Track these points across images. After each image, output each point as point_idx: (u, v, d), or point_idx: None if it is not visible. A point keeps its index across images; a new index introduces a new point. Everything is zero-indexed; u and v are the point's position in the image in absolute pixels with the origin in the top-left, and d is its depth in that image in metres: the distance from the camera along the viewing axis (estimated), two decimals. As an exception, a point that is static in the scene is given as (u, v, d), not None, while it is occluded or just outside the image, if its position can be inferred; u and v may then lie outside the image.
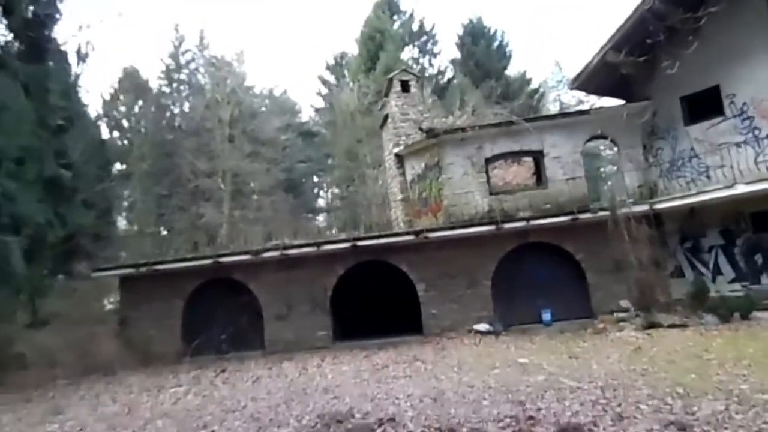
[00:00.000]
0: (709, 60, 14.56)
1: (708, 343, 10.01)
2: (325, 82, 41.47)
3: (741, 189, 13.31)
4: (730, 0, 13.89)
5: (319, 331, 15.79)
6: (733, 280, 14.46)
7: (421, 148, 17.69)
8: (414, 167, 18.10)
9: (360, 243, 15.80)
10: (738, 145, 14.22)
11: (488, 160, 16.99)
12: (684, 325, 12.59)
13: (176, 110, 37.12)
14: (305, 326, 15.82)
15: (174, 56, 37.12)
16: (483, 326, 14.88)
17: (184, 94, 37.49)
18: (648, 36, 13.93)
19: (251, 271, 16.14)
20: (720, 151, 14.45)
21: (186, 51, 37.39)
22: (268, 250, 15.92)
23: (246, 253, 15.95)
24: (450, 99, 32.27)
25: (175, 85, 37.21)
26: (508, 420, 5.89)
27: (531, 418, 5.93)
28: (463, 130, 16.95)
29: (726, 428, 4.97)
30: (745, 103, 14.33)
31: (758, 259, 14.09)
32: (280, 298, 16.05)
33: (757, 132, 14.10)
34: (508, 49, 38.72)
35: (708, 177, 14.93)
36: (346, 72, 40.06)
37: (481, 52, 37.38)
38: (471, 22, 38.80)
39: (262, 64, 59.29)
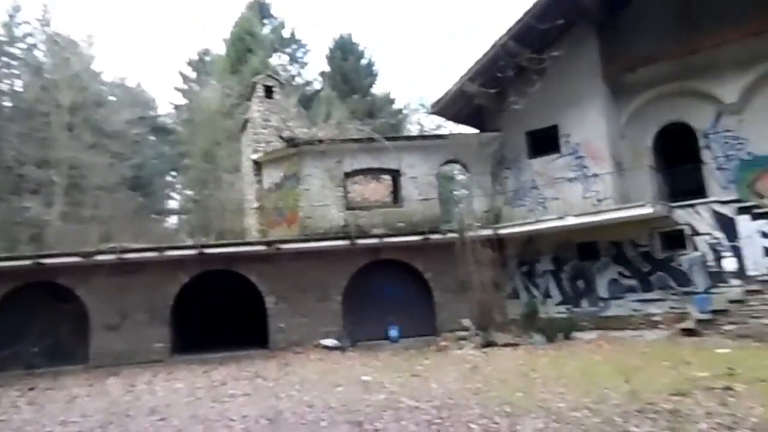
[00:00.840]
0: (551, 101, 15.99)
1: (535, 361, 10.76)
2: (185, 78, 39.25)
3: (570, 221, 14.72)
4: (570, 47, 15.40)
5: (155, 343, 14.59)
6: (559, 303, 15.87)
7: (281, 157, 17.27)
8: (272, 175, 17.60)
9: (208, 250, 14.95)
10: (570, 180, 15.72)
11: (347, 175, 17.04)
12: (516, 344, 13.48)
13: (4, 87, 32.64)
14: (140, 337, 14.53)
15: (7, 26, 32.72)
16: (330, 341, 14.75)
17: (16, 72, 33.11)
18: (500, 71, 14.93)
19: (80, 275, 14.50)
20: (556, 185, 15.87)
21: (23, 23, 33.15)
22: (102, 252, 14.44)
23: (75, 255, 14.31)
24: (316, 110, 32.17)
25: (5, 59, 32.73)
26: (343, 443, 5.74)
27: (367, 440, 5.83)
28: (324, 142, 16.85)
29: (545, 446, 5.21)
30: (577, 143, 15.92)
31: (580, 284, 15.62)
32: (112, 305, 14.60)
33: (585, 170, 15.71)
34: (374, 68, 39.68)
35: (545, 207, 16.30)
36: (209, 70, 38.28)
37: (350, 67, 37.87)
38: (342, 36, 39.20)
39: (116, 51, 54.60)
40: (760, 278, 12.16)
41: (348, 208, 16.81)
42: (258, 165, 18.24)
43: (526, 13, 15.12)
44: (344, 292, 15.92)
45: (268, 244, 15.19)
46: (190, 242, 17.83)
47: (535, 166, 16.75)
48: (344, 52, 38.44)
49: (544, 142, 16.59)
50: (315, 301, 15.66)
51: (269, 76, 20.13)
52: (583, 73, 15.87)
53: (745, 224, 13.29)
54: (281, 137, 17.77)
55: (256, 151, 18.31)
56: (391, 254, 16.24)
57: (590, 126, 15.72)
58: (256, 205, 18.33)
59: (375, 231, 16.08)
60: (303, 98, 35.14)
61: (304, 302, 15.57)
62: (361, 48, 39.37)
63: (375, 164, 17.21)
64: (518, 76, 15.04)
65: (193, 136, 33.89)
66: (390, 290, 16.40)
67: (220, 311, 17.73)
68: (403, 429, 6.25)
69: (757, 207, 13.30)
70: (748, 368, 8.12)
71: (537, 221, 15.68)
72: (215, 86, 33.41)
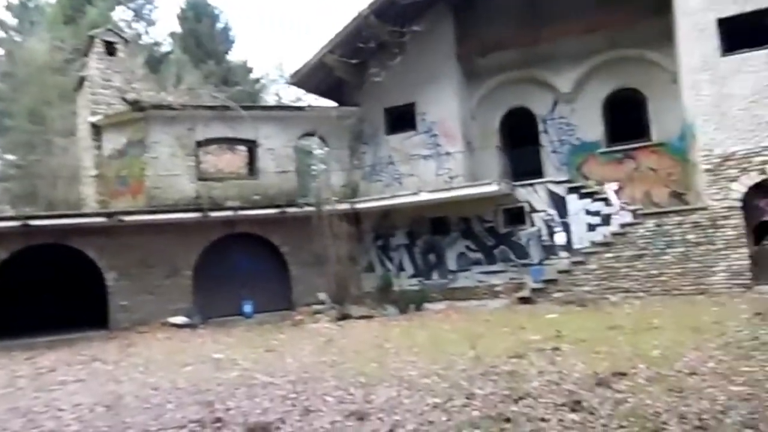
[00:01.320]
0: (410, 79, 16.39)
1: (388, 332, 11.10)
2: (3, 26, 34.16)
3: (424, 196, 15.32)
4: (429, 25, 15.84)
5: (-35, 328, 12.71)
6: (412, 276, 16.54)
7: (125, 121, 15.76)
8: (113, 141, 16.01)
9: (34, 222, 13.25)
10: (425, 157, 16.32)
11: (200, 144, 16.09)
12: (371, 317, 13.81)
13: None
14: (-55, 323, 12.57)
15: None
16: (180, 319, 13.97)
17: None
18: (362, 43, 14.93)
19: None
20: (411, 161, 16.37)
21: None
22: None
23: None
24: (165, 74, 29.78)
25: None
26: (192, 425, 5.41)
27: (218, 420, 5.56)
28: (174, 107, 15.66)
29: (396, 413, 5.36)
30: (433, 122, 16.55)
31: (432, 258, 16.40)
32: None
33: (439, 148, 16.41)
34: (232, 34, 37.74)
35: (400, 183, 16.79)
36: (34, 18, 33.62)
37: (204, 31, 35.55)
38: (196, -4, 36.57)
39: None
40: (584, 251, 13.65)
41: (200, 179, 15.89)
42: (97, 129, 16.45)
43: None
44: (195, 267, 15.13)
45: (109, 215, 13.88)
46: (10, 213, 15.67)
47: (393, 143, 17.13)
48: (198, 14, 35.95)
49: (402, 119, 17.01)
50: (163, 277, 14.69)
51: (110, 30, 18.17)
52: (440, 53, 16.46)
53: (573, 203, 14.79)
54: (125, 99, 16.18)
55: (94, 114, 16.48)
56: (247, 228, 15.72)
57: (445, 106, 16.40)
58: (94, 173, 16.56)
59: (229, 203, 15.41)
60: (151, 60, 32.33)
61: (151, 278, 14.53)
62: (216, 11, 37.13)
63: (230, 134, 16.42)
64: (379, 49, 15.18)
65: (15, 92, 29.71)
66: (245, 264, 15.91)
67: (50, 290, 15.92)
68: (257, 406, 6.07)
69: (584, 187, 14.87)
70: (572, 330, 9.08)
71: (393, 196, 16.12)
72: (43, 37, 29.46)
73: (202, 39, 35.19)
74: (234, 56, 37.42)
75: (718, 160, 12.40)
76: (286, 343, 10.74)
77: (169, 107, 15.73)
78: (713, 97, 12.46)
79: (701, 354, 6.56)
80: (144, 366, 9.07)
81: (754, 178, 12.07)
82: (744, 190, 12.17)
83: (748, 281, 11.90)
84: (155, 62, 32.65)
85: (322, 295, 15.51)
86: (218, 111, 16.13)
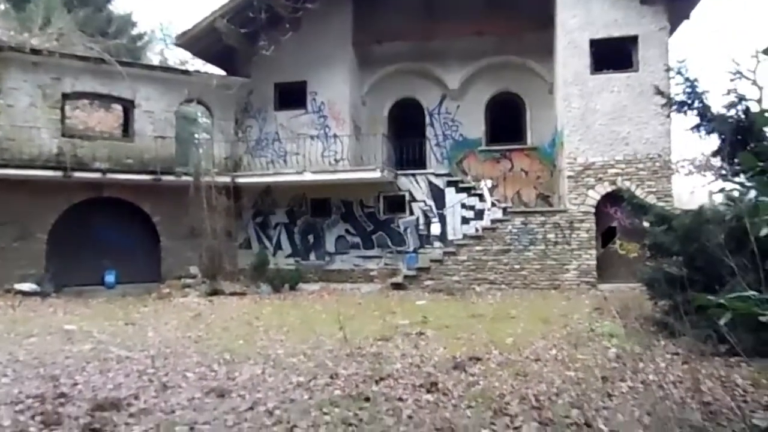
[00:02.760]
0: (303, 57, 16.13)
1: (260, 310, 10.97)
2: None
3: (308, 176, 15.25)
4: (326, 6, 15.65)
5: None
6: (289, 255, 16.41)
7: (-25, 60, 13.94)
8: (-40, 81, 14.12)
9: None
10: (312, 137, 16.19)
11: (67, 96, 14.70)
12: (243, 294, 13.53)
13: None
14: None
15: None
16: (28, 286, 12.76)
17: None
18: (254, 13, 14.39)
19: None
20: (298, 140, 16.16)
21: None
22: None
23: None
24: (31, 14, 26.68)
25: None
26: (30, 401, 4.97)
27: (62, 395, 5.17)
28: (37, 52, 14.12)
29: (259, 390, 5.34)
30: (323, 103, 16.45)
31: (311, 238, 16.38)
32: None
33: (327, 130, 16.37)
34: (115, -19, 34.56)
35: (285, 161, 16.53)
36: None
37: (82, -28, 32.25)
38: (74, -68, 33.03)
39: None
40: (456, 242, 14.36)
41: (65, 135, 14.51)
42: (-60, 65, 14.40)
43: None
44: (52, 230, 13.88)
45: (-52, 165, 12.29)
46: None
47: (281, 119, 16.79)
48: (76, -48, 32.53)
49: (292, 96, 16.71)
50: (11, 239, 13.32)
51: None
52: (336, 36, 16.35)
53: (451, 196, 15.47)
54: (-23, 36, 14.33)
55: (-63, 47, 14.41)
56: (116, 192, 14.68)
57: (336, 88, 16.35)
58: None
59: (98, 165, 14.25)
60: (14, -5, 28.83)
61: (-4, 240, 13.12)
62: (98, -48, 33.78)
63: (104, 90, 15.12)
64: (272, 22, 14.72)
65: None
66: (111, 232, 14.87)
67: None
68: (109, 381, 5.74)
69: (462, 182, 15.60)
70: (437, 317, 9.56)
71: (276, 173, 15.86)
72: None
73: (80, -19, 31.93)
74: (116, 7, 34.38)
75: (580, 168, 13.59)
76: (149, 317, 10.23)
77: (32, 51, 14.15)
78: (581, 110, 13.62)
79: (547, 342, 7.21)
80: (-22, 335, 8.20)
81: (607, 187, 13.40)
82: (598, 197, 13.47)
83: (594, 279, 13.23)
84: (18, 0, 29.16)
85: (193, 269, 14.91)
86: (91, 63, 14.78)
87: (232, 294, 13.44)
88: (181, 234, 15.19)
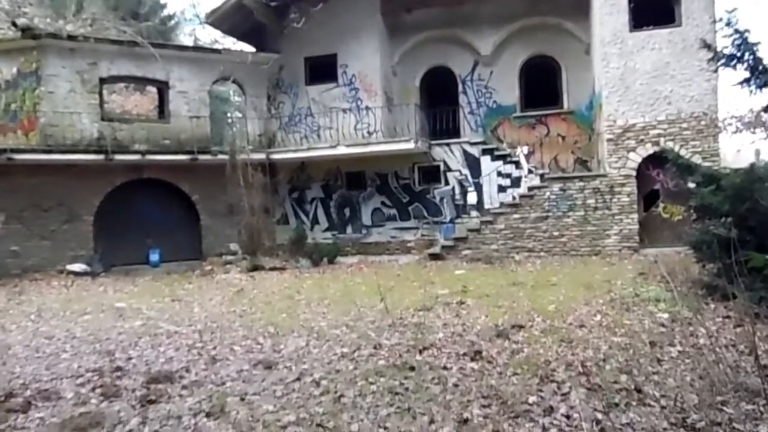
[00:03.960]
0: (332, 29, 15.97)
1: (300, 284, 11.13)
2: None
3: (342, 150, 15.23)
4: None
5: None
6: (326, 229, 16.54)
7: (14, 49, 14.28)
8: (1, 71, 14.51)
9: None
10: (345, 111, 16.12)
11: (104, 81, 14.96)
12: (283, 269, 13.74)
13: None
14: None
15: None
16: (79, 266, 13.25)
17: None
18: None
19: None
20: (330, 114, 16.12)
21: None
22: None
23: None
24: (65, 1, 27.14)
25: None
26: (89, 374, 5.20)
27: (118, 369, 5.38)
28: (74, 38, 14.37)
29: (305, 362, 5.44)
30: (354, 75, 16.31)
31: (347, 212, 16.45)
32: None
33: (359, 102, 16.26)
34: (143, -37, 34.73)
35: (318, 136, 16.54)
36: None
37: (110, -44, 32.50)
38: None
39: None
40: (493, 211, 14.20)
41: (104, 119, 14.83)
42: (-18, 55, 14.82)
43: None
44: (98, 212, 14.31)
45: (-4, 152, 12.72)
46: None
47: (312, 94, 16.75)
48: (104, -64, 32.74)
49: (323, 70, 16.62)
50: (60, 222, 13.79)
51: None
52: (365, 6, 16.10)
53: (486, 164, 15.25)
54: (14, 24, 14.63)
55: (-22, 37, 14.84)
56: (155, 173, 14.98)
57: (367, 60, 16.17)
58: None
59: (137, 147, 14.55)
60: (47, -18, 29.33)
61: (46, 223, 13.61)
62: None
63: (138, 73, 15.32)
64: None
65: None
66: (152, 212, 15.22)
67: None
68: (161, 355, 5.94)
69: (497, 150, 15.35)
70: (477, 286, 9.52)
71: (310, 149, 15.90)
72: None
73: (108, -35, 32.21)
74: (145, -12, 34.58)
75: (620, 130, 13.18)
76: (194, 293, 10.51)
77: (69, 37, 14.40)
78: (620, 71, 13.13)
79: (590, 308, 7.11)
80: (36, 314, 8.58)
81: (649, 149, 12.97)
82: (639, 160, 13.07)
83: (636, 244, 12.93)
84: (53, -14, 29.63)
85: (233, 246, 15.20)
86: (125, 46, 14.98)
87: (273, 269, 13.66)
88: (220, 212, 15.47)
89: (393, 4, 16.27)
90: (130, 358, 5.80)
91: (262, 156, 15.62)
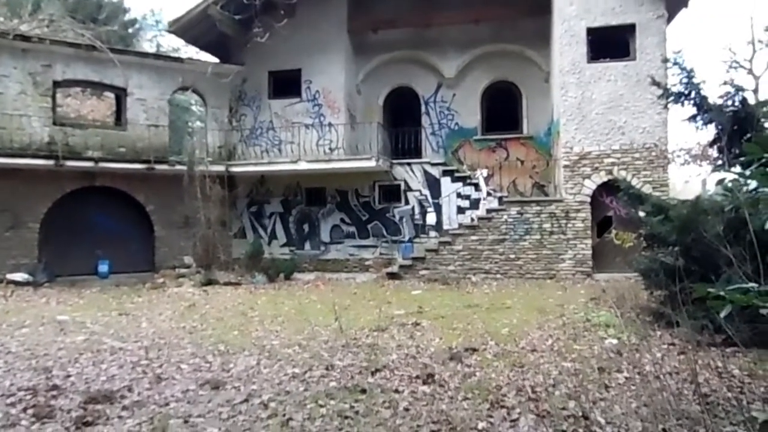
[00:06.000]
0: (298, 44, 15.94)
1: (254, 300, 10.92)
2: None
3: (303, 165, 15.15)
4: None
5: None
6: (284, 245, 16.35)
7: (-36, 47, 13.72)
8: (-51, 68, 13.91)
9: None
10: (307, 126, 16.06)
11: (58, 84, 14.52)
12: (238, 284, 13.47)
13: None
14: None
15: None
16: (20, 276, 12.66)
17: None
18: (251, 0, 14.16)
19: None
20: (292, 129, 16.03)
21: None
22: None
23: None
24: (22, 1, 26.29)
25: None
26: (22, 393, 4.92)
27: (54, 387, 5.11)
28: (27, 38, 13.90)
29: (254, 382, 5.30)
30: (318, 91, 16.30)
31: (306, 228, 16.31)
32: None
33: (322, 118, 16.24)
34: (106, -34, 34.05)
35: (280, 150, 16.40)
36: None
37: (73, -43, 31.75)
38: None
39: None
40: (452, 232, 14.31)
41: (56, 124, 14.34)
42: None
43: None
44: (45, 219, 13.77)
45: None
46: None
47: (275, 107, 16.64)
48: (66, -63, 31.99)
49: (287, 84, 16.56)
50: (2, 228, 13.21)
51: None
52: (332, 23, 16.17)
53: (446, 185, 15.40)
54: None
55: (-75, 33, 14.17)
56: (109, 181, 14.55)
57: (331, 76, 16.20)
58: None
59: (90, 153, 14.11)
60: (3, -20, 28.39)
61: (-13, 229, 13.00)
62: (89, -63, 33.24)
63: (96, 78, 14.93)
64: (267, 8, 14.51)
65: None
66: (104, 221, 14.75)
67: None
68: (102, 372, 5.68)
69: (457, 171, 15.53)
70: (433, 307, 9.54)
71: (270, 162, 15.76)
72: None
73: (70, -33, 31.44)
74: (107, -8, 33.86)
75: (576, 157, 13.54)
76: (143, 307, 10.17)
77: (22, 37, 13.93)
78: (577, 100, 13.54)
79: (543, 333, 7.19)
80: (-30, 326, 8.12)
81: (603, 177, 13.36)
82: (594, 187, 13.44)
83: (590, 269, 13.23)
84: (9, -15, 28.68)
85: (187, 259, 14.85)
86: (83, 50, 14.57)
87: (227, 284, 13.38)
88: (175, 223, 15.11)
89: (360, 23, 16.41)
90: (68, 376, 5.53)
91: (221, 168, 15.37)
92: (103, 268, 14.29)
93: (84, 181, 14.21)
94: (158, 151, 14.88)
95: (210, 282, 13.36)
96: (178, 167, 14.73)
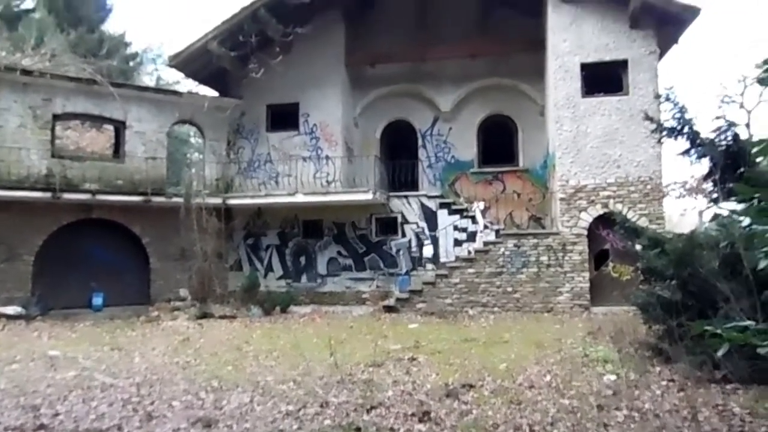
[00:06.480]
0: (295, 78, 16.17)
1: (250, 334, 10.79)
2: None
3: (300, 198, 15.18)
4: (320, 30, 15.79)
5: None
6: (280, 277, 16.25)
7: (-35, 80, 13.87)
8: (-50, 102, 14.03)
9: None
10: (304, 159, 16.16)
11: (57, 117, 14.66)
12: (233, 317, 13.33)
13: None
14: None
15: None
16: (13, 309, 12.53)
17: None
18: (246, 36, 14.41)
19: None
20: (290, 162, 16.12)
21: None
22: None
23: None
24: (23, 34, 26.72)
25: None
26: (9, 432, 4.83)
27: (42, 427, 5.01)
28: (28, 72, 14.08)
29: (247, 420, 5.20)
30: (315, 124, 16.46)
31: (302, 260, 16.24)
32: None
33: (319, 151, 16.35)
34: (109, 2, 34.76)
35: (277, 183, 16.46)
36: None
37: (76, -7, 32.41)
38: (69, -46, 33.27)
39: None
40: (449, 264, 14.26)
41: (54, 156, 14.40)
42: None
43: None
44: (40, 252, 13.71)
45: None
46: None
47: (273, 140, 16.77)
48: (70, -25, 32.68)
49: (284, 117, 16.72)
50: (-3, 261, 13.12)
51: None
52: (329, 58, 16.43)
53: (443, 218, 15.42)
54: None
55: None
56: (106, 214, 14.54)
57: (329, 110, 16.38)
58: None
59: (88, 186, 14.13)
60: (7, 15, 28.98)
61: (-19, 261, 12.92)
62: (93, -27, 33.98)
63: (95, 111, 15.07)
64: (263, 45, 14.77)
65: None
66: (99, 253, 14.69)
67: None
68: (92, 411, 5.58)
69: (454, 204, 15.58)
70: (430, 341, 9.44)
71: (267, 195, 15.79)
72: None
73: (73, 2, 32.06)
74: (110, 26, 34.51)
75: (572, 190, 13.60)
76: (136, 341, 10.05)
77: (23, 71, 14.10)
78: (572, 133, 13.67)
79: (541, 368, 7.10)
80: (-42, 361, 8.00)
81: (599, 210, 13.40)
82: (590, 219, 13.46)
83: (587, 302, 13.15)
84: (13, 18, 29.24)
85: (183, 292, 14.74)
86: (83, 84, 14.74)
87: (222, 317, 13.25)
88: (171, 256, 15.04)
89: (357, 57, 16.68)
90: (56, 414, 5.42)
91: (218, 200, 15.39)
92: (98, 300, 14.17)
93: (80, 213, 14.20)
94: (156, 183, 14.92)
95: (205, 315, 13.22)
96: (175, 199, 14.75)
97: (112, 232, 14.78)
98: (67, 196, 13.52)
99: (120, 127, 15.48)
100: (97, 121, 16.64)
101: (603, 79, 13.66)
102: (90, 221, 14.40)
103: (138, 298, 14.69)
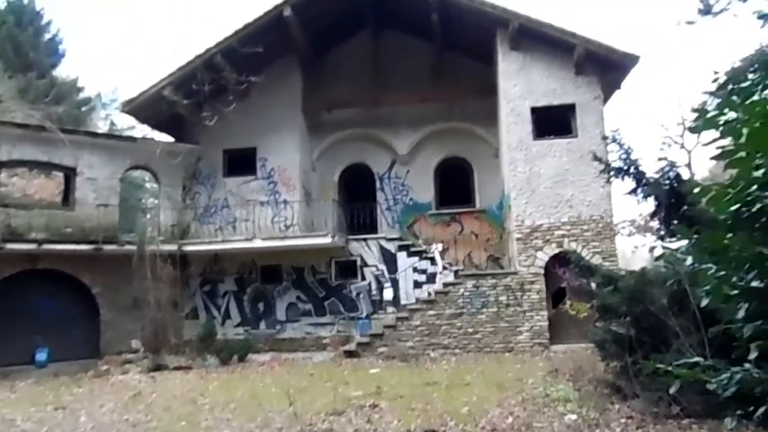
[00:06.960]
0: (252, 123, 16.22)
1: (206, 386, 10.39)
2: None
3: (258, 243, 14.98)
4: (276, 76, 16.00)
5: None
6: (238, 324, 15.83)
7: None
8: None
9: None
10: (262, 203, 16.03)
11: (2, 164, 14.19)
12: (189, 368, 12.86)
13: None
14: None
15: None
16: (-52, 369, 11.73)
17: None
18: (199, 84, 14.40)
19: None
20: (247, 206, 15.95)
21: None
22: None
23: None
24: (-30, 80, 26.00)
25: None
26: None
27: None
28: (-28, 119, 13.65)
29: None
30: (273, 169, 16.42)
31: (261, 307, 15.89)
32: None
33: (277, 196, 16.27)
34: (62, 47, 34.41)
35: (234, 228, 16.21)
36: None
37: (26, 39, 31.92)
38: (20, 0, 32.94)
39: None
40: (409, 307, 14.19)
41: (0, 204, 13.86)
42: None
43: (235, 34, 15.01)
44: (-21, 306, 12.97)
45: None
46: None
47: (230, 185, 16.61)
48: (20, 19, 32.29)
49: (241, 162, 16.63)
50: (-69, 318, 12.35)
51: None
52: (286, 103, 16.56)
53: (402, 260, 15.45)
54: None
55: None
56: (52, 263, 13.96)
57: (286, 155, 16.41)
58: None
59: (34, 235, 13.58)
60: (-47, 60, 28.21)
61: None
62: (45, 20, 33.69)
63: (44, 158, 14.67)
64: (217, 93, 14.77)
65: None
66: (46, 305, 14.04)
67: None
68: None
69: (413, 246, 15.64)
70: (391, 386, 9.28)
71: (224, 240, 15.52)
72: None
73: (23, 47, 31.51)
74: (62, 71, 34.01)
75: (528, 230, 13.88)
76: (82, 399, 9.52)
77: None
78: (526, 175, 14.05)
79: (503, 410, 7.06)
80: None
81: (554, 248, 13.68)
82: (546, 258, 13.72)
83: (546, 341, 13.26)
84: (-42, 64, 28.45)
85: (135, 343, 14.15)
86: (30, 130, 14.38)
87: (177, 368, 12.76)
88: (123, 306, 14.48)
89: (314, 103, 16.89)
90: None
91: (173, 247, 15.02)
92: (41, 356, 13.44)
93: (25, 264, 13.60)
94: (107, 231, 14.46)
95: (159, 367, 12.70)
96: (128, 247, 14.33)
97: (59, 282, 14.17)
98: (10, 246, 12.97)
99: (70, 174, 15.07)
100: (46, 168, 16.12)
101: (553, 121, 14.18)
102: (35, 272, 13.79)
103: (87, 351, 14.01)
